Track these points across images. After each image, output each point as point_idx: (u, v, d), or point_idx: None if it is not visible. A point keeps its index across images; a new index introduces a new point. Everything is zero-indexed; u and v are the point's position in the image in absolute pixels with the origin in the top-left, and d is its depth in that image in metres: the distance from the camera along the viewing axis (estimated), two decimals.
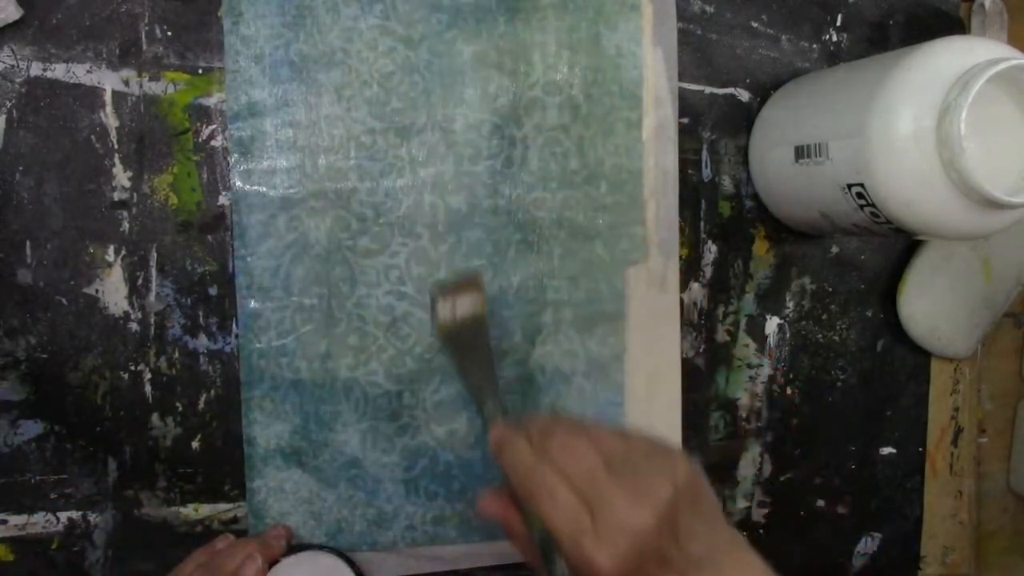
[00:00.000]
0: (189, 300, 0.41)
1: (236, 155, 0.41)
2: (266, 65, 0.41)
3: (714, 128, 0.48)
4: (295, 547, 0.42)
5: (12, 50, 0.38)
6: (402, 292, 0.43)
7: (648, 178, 0.46)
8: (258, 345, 0.41)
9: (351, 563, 0.42)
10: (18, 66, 0.38)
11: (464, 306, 0.39)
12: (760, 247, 0.50)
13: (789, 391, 0.51)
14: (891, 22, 0.51)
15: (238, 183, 0.41)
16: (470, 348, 0.39)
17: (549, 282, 0.45)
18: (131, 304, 0.41)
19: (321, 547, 0.43)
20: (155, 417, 0.41)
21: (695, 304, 0.49)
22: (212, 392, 0.42)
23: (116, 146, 0.40)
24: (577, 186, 0.45)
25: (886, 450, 0.54)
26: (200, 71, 0.41)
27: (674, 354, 0.47)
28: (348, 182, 0.42)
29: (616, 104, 0.45)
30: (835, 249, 0.51)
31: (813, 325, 0.52)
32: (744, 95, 0.49)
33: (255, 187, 0.41)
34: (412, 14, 0.42)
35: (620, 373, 0.46)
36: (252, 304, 0.41)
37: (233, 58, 0.40)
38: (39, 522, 0.41)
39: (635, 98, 0.45)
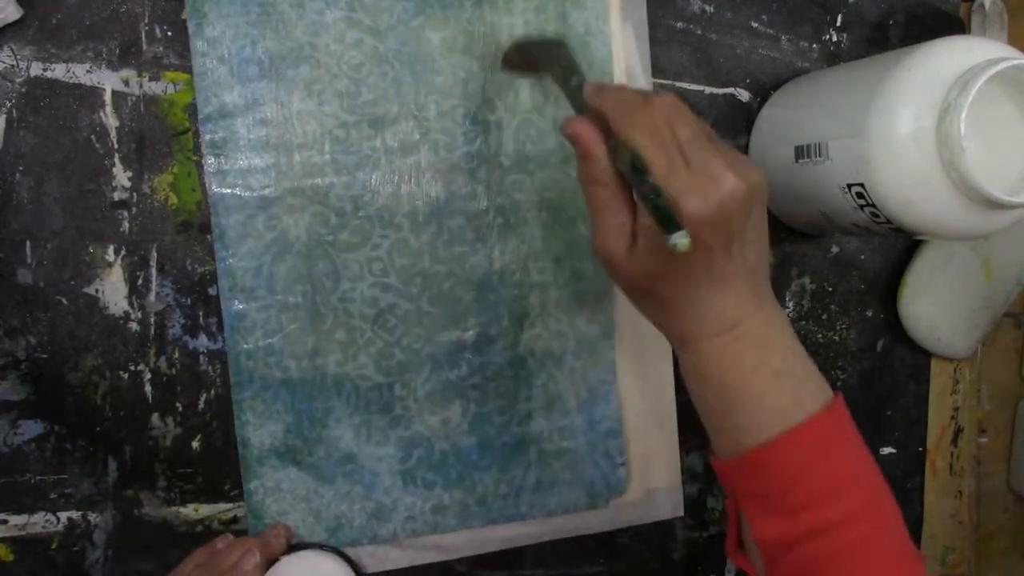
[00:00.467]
0: (189, 300, 0.41)
1: (210, 158, 0.40)
2: (234, 65, 0.40)
3: (714, 128, 0.48)
4: (294, 546, 0.42)
5: (12, 50, 0.38)
6: (386, 284, 0.43)
7: None
8: (245, 346, 0.41)
9: (350, 562, 0.42)
10: (18, 66, 0.38)
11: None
12: None
13: None
14: (891, 22, 0.51)
15: (214, 186, 0.41)
16: (551, 53, 0.39)
17: (533, 264, 0.45)
18: (131, 304, 0.41)
19: (321, 546, 0.43)
20: (155, 417, 0.41)
21: None
22: (212, 392, 0.42)
23: (116, 146, 0.40)
24: (555, 166, 0.45)
25: (886, 450, 0.54)
26: None
27: None
28: (324, 177, 0.42)
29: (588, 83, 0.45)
30: (835, 249, 0.51)
31: (813, 325, 0.52)
32: (744, 95, 0.49)
33: (231, 189, 0.41)
34: (378, 4, 0.42)
35: (610, 351, 0.46)
36: (236, 305, 0.41)
37: (200, 60, 0.40)
38: (39, 522, 0.41)
39: (606, 75, 0.45)
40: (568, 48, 0.38)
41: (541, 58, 0.40)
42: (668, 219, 0.29)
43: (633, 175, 0.31)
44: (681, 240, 0.28)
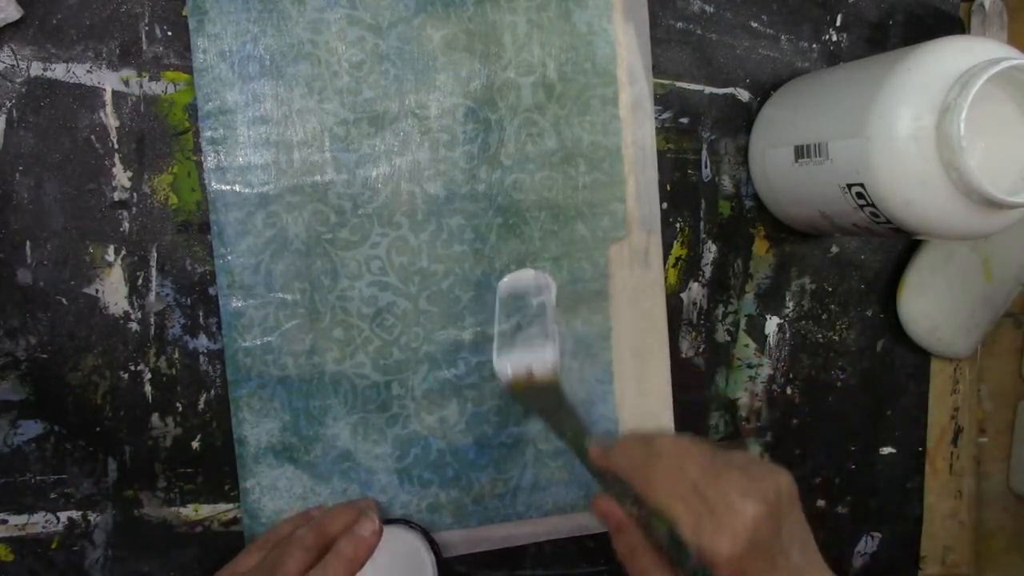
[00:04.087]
0: (189, 300, 0.41)
1: (210, 155, 0.40)
2: (234, 62, 0.40)
3: (714, 128, 0.48)
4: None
5: (12, 50, 0.38)
6: (385, 282, 0.43)
7: (627, 154, 0.46)
8: (243, 344, 0.41)
9: (431, 540, 0.42)
10: (18, 66, 0.38)
11: (538, 370, 0.42)
12: (760, 247, 0.50)
13: (789, 391, 0.51)
14: (891, 22, 0.51)
15: (213, 183, 0.41)
16: (551, 406, 0.41)
17: (532, 264, 0.45)
18: (131, 304, 0.41)
19: (407, 522, 0.43)
20: (155, 417, 0.41)
21: (695, 304, 0.49)
22: (212, 392, 0.42)
23: (116, 146, 0.40)
24: (555, 166, 0.45)
25: (886, 450, 0.54)
26: None
27: (661, 330, 0.47)
28: (324, 175, 0.42)
29: (590, 82, 0.45)
30: (835, 249, 0.51)
31: (813, 325, 0.52)
32: (744, 95, 0.49)
33: (231, 186, 0.41)
34: (379, 1, 0.42)
35: (607, 351, 0.46)
36: (234, 303, 0.41)
37: (200, 57, 0.40)
38: (39, 522, 0.41)
39: (609, 75, 0.45)
40: (563, 396, 0.41)
41: (539, 410, 0.41)
42: None
43: (676, 552, 0.33)
44: None
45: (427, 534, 0.43)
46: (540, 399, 0.41)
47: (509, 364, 0.42)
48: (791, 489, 0.33)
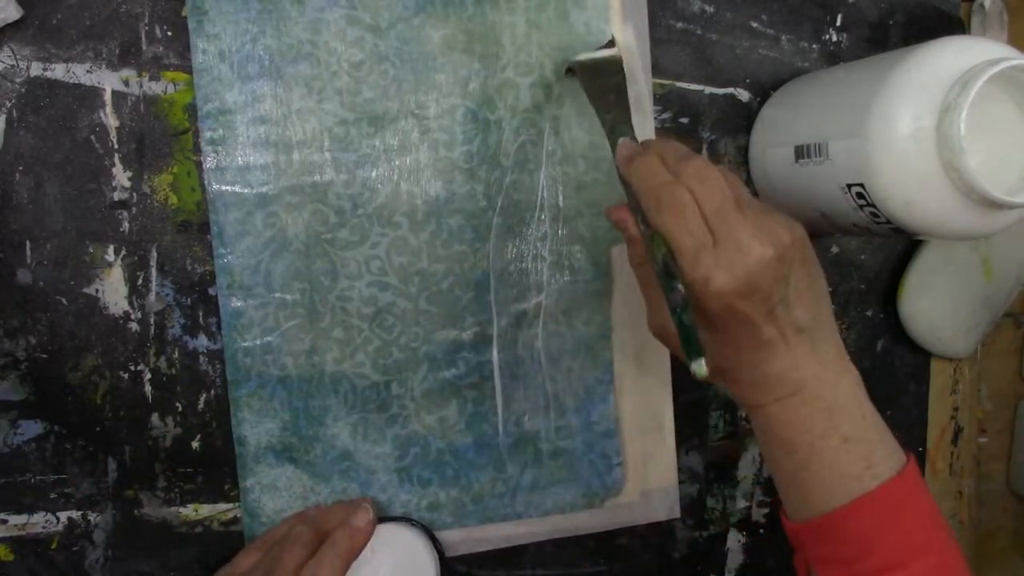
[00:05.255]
0: (189, 300, 0.41)
1: (210, 155, 0.40)
2: (234, 62, 0.40)
3: (714, 128, 0.48)
4: (380, 518, 0.42)
5: (12, 50, 0.38)
6: (384, 283, 0.43)
7: None
8: (243, 344, 0.41)
9: (433, 537, 0.42)
10: (18, 66, 0.38)
11: (602, 54, 0.42)
12: None
13: None
14: (891, 22, 0.51)
15: (213, 183, 0.41)
16: (605, 82, 0.40)
17: (532, 264, 0.45)
18: (131, 304, 0.41)
19: (407, 519, 0.43)
20: (155, 417, 0.41)
21: None
22: (212, 392, 0.42)
23: (116, 146, 0.40)
24: (555, 166, 0.45)
25: None
26: None
27: None
28: (324, 175, 0.42)
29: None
30: (835, 249, 0.51)
31: None
32: (744, 95, 0.49)
33: (230, 186, 0.41)
34: (378, 1, 0.42)
35: (608, 351, 0.46)
36: (234, 303, 0.41)
37: (200, 57, 0.40)
38: (39, 522, 0.41)
39: None
40: (623, 76, 0.40)
41: (592, 87, 0.41)
42: (689, 341, 0.29)
43: (664, 280, 0.31)
44: (699, 369, 0.28)
45: (430, 533, 0.43)
46: (599, 74, 0.41)
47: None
48: (804, 242, 0.33)
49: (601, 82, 0.41)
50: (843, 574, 0.34)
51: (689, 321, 0.29)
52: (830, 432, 0.33)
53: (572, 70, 0.43)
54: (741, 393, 0.35)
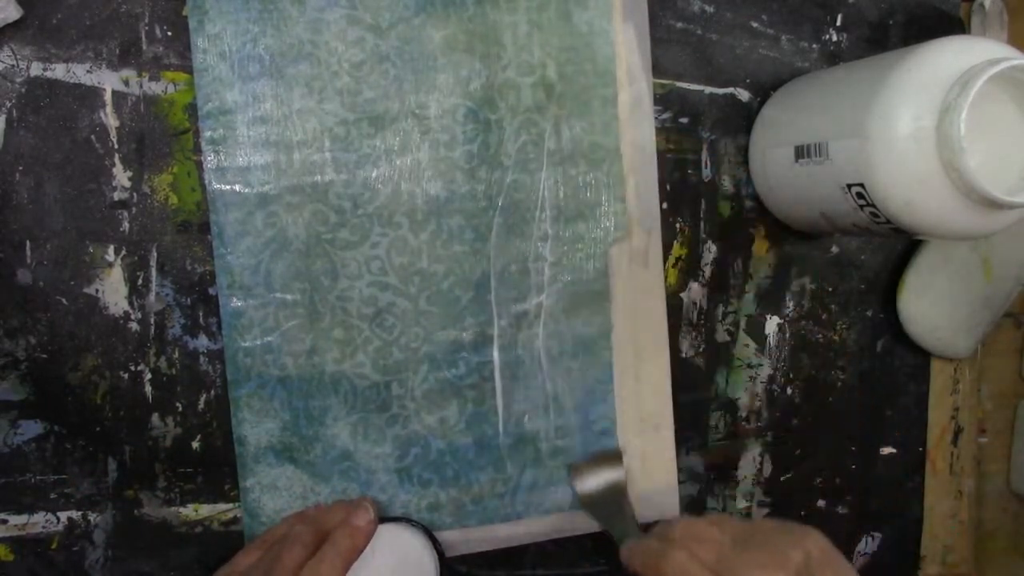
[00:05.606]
0: (189, 300, 0.41)
1: (210, 155, 0.40)
2: (234, 62, 0.40)
3: (714, 128, 0.48)
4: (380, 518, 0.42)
5: (12, 50, 0.38)
6: (385, 283, 0.43)
7: (627, 154, 0.46)
8: (243, 344, 0.41)
9: (433, 538, 0.42)
10: (18, 66, 0.38)
11: (605, 478, 0.46)
12: (760, 247, 0.50)
13: (789, 391, 0.52)
14: (891, 22, 0.51)
15: (213, 183, 0.41)
16: (614, 511, 0.45)
17: (532, 265, 0.45)
18: (131, 304, 0.41)
19: (407, 520, 0.43)
20: (155, 417, 0.41)
21: (695, 304, 0.49)
22: (212, 392, 0.42)
23: (116, 146, 0.40)
24: (555, 166, 0.45)
25: (886, 450, 0.54)
26: None
27: (660, 330, 0.47)
28: (324, 175, 0.42)
29: (590, 82, 0.45)
30: (835, 249, 0.51)
31: (813, 325, 0.52)
32: (744, 95, 0.49)
33: (230, 186, 0.41)
34: (379, 1, 0.42)
35: (607, 352, 0.46)
36: (234, 303, 0.41)
37: (200, 57, 0.40)
38: (39, 522, 0.41)
39: (609, 75, 0.45)
40: (627, 503, 0.45)
41: (601, 515, 0.45)
42: None
43: None
44: None
45: (430, 533, 0.43)
46: (605, 506, 0.45)
47: (583, 481, 0.46)
48: (823, 549, 0.33)
49: (608, 510, 0.45)
50: None
51: None
52: None
53: (586, 498, 0.46)
54: None
